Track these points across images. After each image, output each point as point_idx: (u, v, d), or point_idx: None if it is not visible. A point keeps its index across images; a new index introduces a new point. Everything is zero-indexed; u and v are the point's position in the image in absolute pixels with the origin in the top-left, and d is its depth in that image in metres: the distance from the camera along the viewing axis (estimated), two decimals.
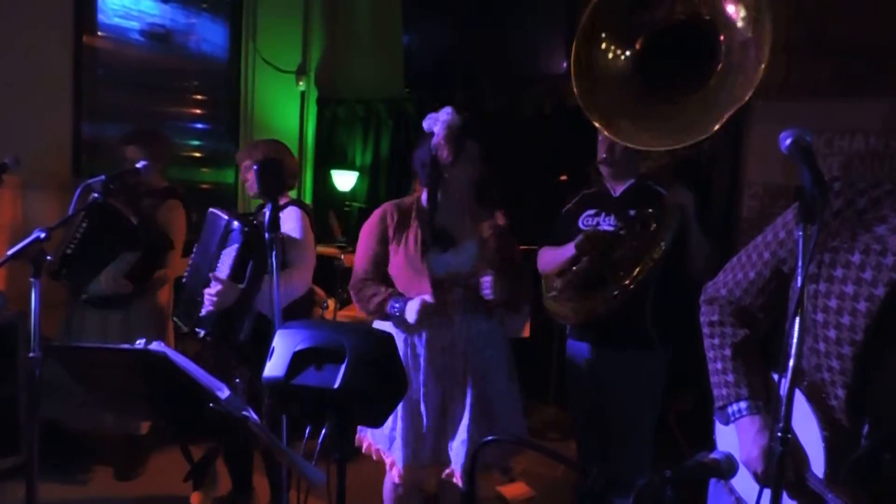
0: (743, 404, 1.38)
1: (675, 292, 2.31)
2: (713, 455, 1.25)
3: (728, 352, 1.44)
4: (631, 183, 2.42)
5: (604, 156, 2.40)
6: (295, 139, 5.13)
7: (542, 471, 3.43)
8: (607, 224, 2.38)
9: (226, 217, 2.44)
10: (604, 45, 2.09)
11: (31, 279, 1.83)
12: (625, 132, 2.07)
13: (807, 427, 1.29)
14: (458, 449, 2.14)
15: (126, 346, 1.50)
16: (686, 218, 2.26)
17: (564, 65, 4.15)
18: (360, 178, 5.04)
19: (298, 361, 1.41)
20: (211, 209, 2.56)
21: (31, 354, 1.86)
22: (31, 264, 1.84)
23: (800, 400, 1.30)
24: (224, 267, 2.38)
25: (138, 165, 2.54)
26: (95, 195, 2.35)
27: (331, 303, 3.76)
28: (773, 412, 1.09)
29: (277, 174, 2.00)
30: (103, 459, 3.31)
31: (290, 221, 2.56)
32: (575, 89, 2.10)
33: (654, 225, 2.28)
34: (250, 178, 2.74)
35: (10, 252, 1.91)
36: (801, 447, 1.31)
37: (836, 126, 3.24)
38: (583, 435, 2.63)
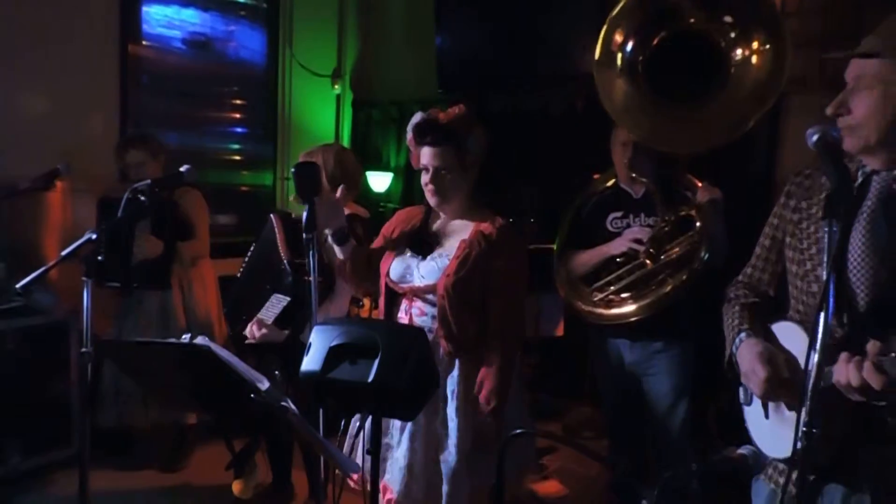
0: (743, 335, 1.42)
1: (708, 281, 2.30)
2: (740, 450, 1.26)
3: (736, 308, 1.50)
4: (652, 183, 2.41)
5: (628, 159, 2.40)
6: (331, 141, 5.21)
7: (575, 469, 3.43)
8: (639, 224, 2.42)
9: (285, 260, 2.52)
10: (625, 44, 2.11)
11: (83, 278, 1.92)
12: (647, 133, 2.08)
13: (799, 344, 1.34)
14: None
15: (172, 340, 1.57)
16: (716, 213, 2.29)
17: None
18: (394, 179, 5.09)
19: (334, 356, 1.44)
20: (272, 214, 2.65)
21: (83, 350, 1.94)
22: (83, 264, 1.92)
23: (793, 328, 1.36)
24: (272, 311, 2.52)
25: (182, 169, 2.62)
26: (142, 199, 2.45)
27: (366, 301, 3.82)
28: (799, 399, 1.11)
29: (313, 177, 2.05)
30: (151, 452, 3.43)
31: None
32: (599, 89, 2.14)
33: (692, 231, 2.30)
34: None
35: (63, 253, 2.00)
36: (794, 357, 1.35)
37: None
38: (615, 430, 2.64)
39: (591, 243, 2.45)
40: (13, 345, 3.07)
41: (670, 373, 2.43)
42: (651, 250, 2.31)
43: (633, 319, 2.34)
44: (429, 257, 2.04)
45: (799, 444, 1.10)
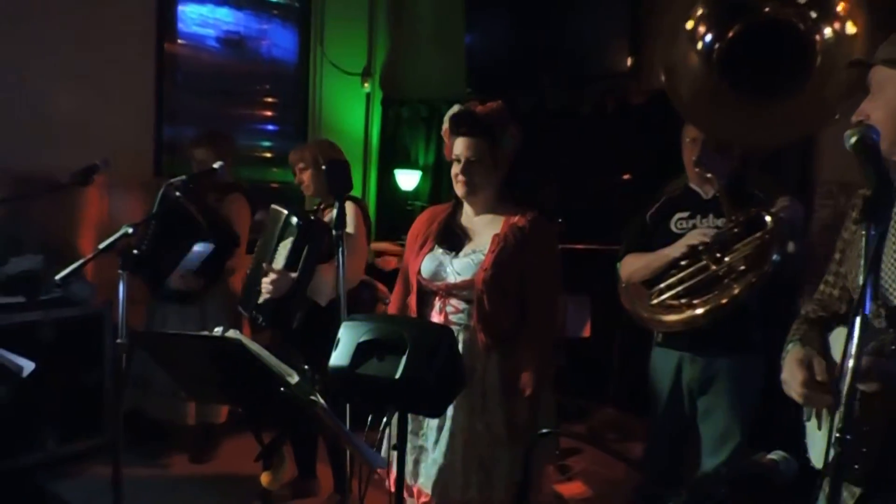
0: (790, 345, 1.42)
1: (780, 293, 2.23)
2: (770, 455, 1.24)
3: (798, 322, 1.48)
4: (726, 182, 2.27)
5: (696, 157, 2.28)
6: (360, 139, 5.23)
7: (600, 471, 3.41)
8: (706, 225, 2.28)
9: (285, 212, 2.55)
10: (695, 36, 2.01)
11: (119, 271, 1.96)
12: (719, 130, 2.00)
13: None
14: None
15: (204, 333, 1.59)
16: (794, 233, 2.14)
17: (629, 62, 4.10)
18: (422, 178, 5.10)
19: (362, 352, 1.45)
20: (273, 205, 2.68)
21: (118, 341, 1.98)
22: (119, 257, 1.96)
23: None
24: (280, 258, 2.51)
25: (215, 166, 2.66)
26: (178, 194, 2.50)
27: None
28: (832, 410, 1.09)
29: (344, 174, 2.07)
30: (180, 445, 3.48)
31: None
32: (664, 82, 2.02)
33: (764, 231, 2.15)
34: (306, 179, 2.86)
35: (100, 246, 2.05)
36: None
37: None
38: (656, 443, 2.51)
39: (655, 246, 2.32)
40: (51, 334, 3.14)
41: (731, 392, 2.26)
42: (716, 253, 2.17)
43: (694, 327, 2.20)
44: (461, 253, 2.03)
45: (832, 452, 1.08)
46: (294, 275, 2.45)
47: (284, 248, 2.51)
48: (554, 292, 2.06)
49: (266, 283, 2.46)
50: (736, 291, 2.12)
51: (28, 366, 2.01)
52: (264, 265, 2.50)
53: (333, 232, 1.93)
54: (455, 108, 2.06)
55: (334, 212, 2.67)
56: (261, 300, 2.52)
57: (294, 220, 2.49)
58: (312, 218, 2.55)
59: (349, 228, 2.62)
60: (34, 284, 3.16)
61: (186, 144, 3.32)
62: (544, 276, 2.01)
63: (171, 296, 3.19)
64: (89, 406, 3.26)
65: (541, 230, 2.02)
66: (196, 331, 3.10)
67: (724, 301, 2.12)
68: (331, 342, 1.52)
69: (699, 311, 2.17)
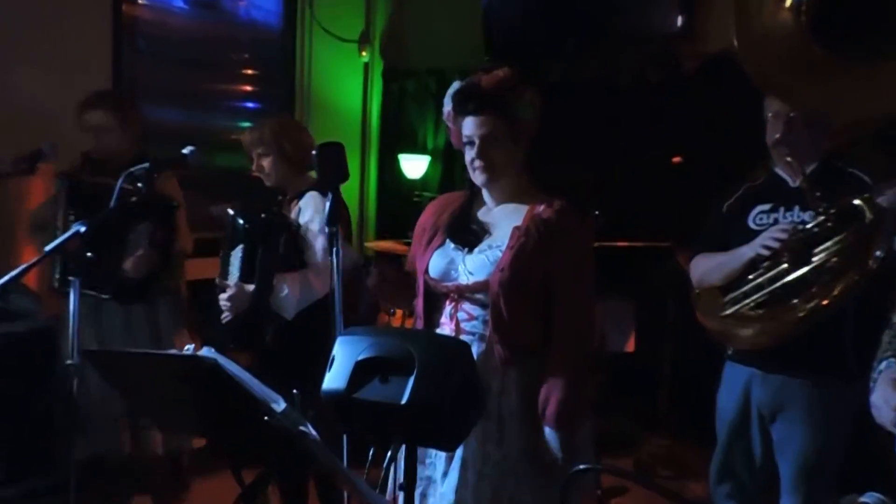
0: (885, 363, 1.44)
1: (877, 300, 2.10)
2: (863, 498, 1.22)
3: (891, 336, 1.50)
4: (815, 167, 2.26)
5: (780, 135, 2.25)
6: (357, 119, 5.23)
7: None
8: (790, 220, 2.25)
9: (231, 212, 2.60)
10: None
11: (70, 278, 1.95)
12: (809, 100, 1.97)
13: None
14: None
15: (173, 352, 1.58)
16: None
17: (679, 20, 4.07)
18: (432, 164, 5.09)
19: (361, 372, 1.44)
20: (228, 209, 2.71)
21: (68, 362, 1.98)
22: (70, 262, 1.95)
23: None
24: (234, 269, 2.59)
25: (185, 151, 2.66)
26: (140, 185, 2.51)
27: (398, 309, 3.81)
28: None
29: (338, 160, 2.05)
30: (143, 484, 3.47)
31: (309, 209, 2.66)
32: (737, 48, 1.98)
33: (862, 223, 2.09)
34: (266, 166, 2.83)
35: (47, 249, 2.04)
36: None
37: None
38: (726, 477, 2.46)
39: (731, 245, 2.30)
40: None
41: (812, 419, 2.22)
42: (800, 253, 2.14)
43: (769, 343, 2.18)
44: (476, 249, 2.03)
45: None
46: (251, 287, 2.53)
47: (236, 257, 2.58)
48: (587, 296, 2.04)
49: (223, 301, 2.57)
50: (820, 303, 2.09)
51: None
52: (217, 280, 2.60)
53: (299, 228, 1.94)
54: (455, 85, 2.05)
55: (301, 204, 2.70)
56: (223, 319, 2.60)
57: (240, 222, 2.55)
58: (263, 216, 2.60)
59: (315, 224, 2.63)
60: None
61: (79, 105, 3.09)
62: (575, 277, 2.00)
63: (129, 293, 3.13)
64: (36, 440, 3.26)
65: (571, 222, 2.00)
66: (145, 337, 3.12)
67: (802, 315, 2.10)
68: (312, 360, 1.51)
69: (771, 324, 2.16)
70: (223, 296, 2.57)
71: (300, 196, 2.75)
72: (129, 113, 3.11)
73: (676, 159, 3.13)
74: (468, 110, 2.00)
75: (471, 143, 2.01)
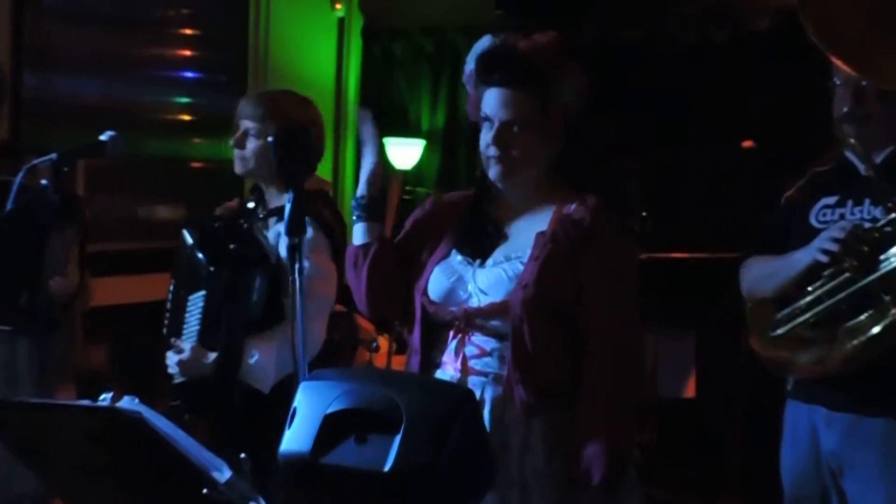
0: None
1: None
2: None
3: None
4: (889, 152, 2.33)
5: (847, 109, 2.30)
6: (330, 91, 5.26)
7: None
8: (859, 217, 2.30)
9: (188, 240, 2.57)
10: None
11: None
12: (884, 71, 1.99)
13: None
14: None
15: (86, 402, 1.55)
16: None
17: None
18: (426, 150, 5.11)
19: (331, 430, 1.45)
20: (183, 229, 2.68)
21: None
22: None
23: None
24: (192, 322, 2.56)
25: (103, 137, 2.63)
26: (43, 182, 2.47)
27: (382, 342, 3.81)
28: None
29: (305, 149, 2.05)
30: None
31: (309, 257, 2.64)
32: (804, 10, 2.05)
33: None
34: (251, 149, 2.80)
35: None
36: None
37: None
38: None
39: (790, 246, 2.36)
40: None
41: (889, 475, 2.28)
42: (866, 257, 2.19)
43: (832, 372, 2.24)
44: (490, 261, 2.03)
45: None
46: (213, 355, 2.51)
47: (195, 306, 2.56)
48: (631, 323, 2.06)
49: (170, 363, 2.54)
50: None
51: None
52: (164, 328, 2.60)
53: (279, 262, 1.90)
54: (485, 42, 2.06)
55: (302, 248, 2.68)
56: (174, 380, 2.58)
57: (200, 258, 2.53)
58: (233, 249, 2.57)
59: (309, 264, 2.59)
60: None
61: None
62: (613, 297, 2.01)
63: (42, 322, 3.13)
64: None
65: (609, 224, 2.03)
66: (30, 387, 3.10)
67: (873, 336, 2.15)
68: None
69: (833, 349, 2.22)
70: (173, 358, 2.52)
71: (278, 212, 2.70)
72: None
73: (748, 144, 3.13)
74: (494, 80, 2.01)
75: (489, 122, 2.02)
